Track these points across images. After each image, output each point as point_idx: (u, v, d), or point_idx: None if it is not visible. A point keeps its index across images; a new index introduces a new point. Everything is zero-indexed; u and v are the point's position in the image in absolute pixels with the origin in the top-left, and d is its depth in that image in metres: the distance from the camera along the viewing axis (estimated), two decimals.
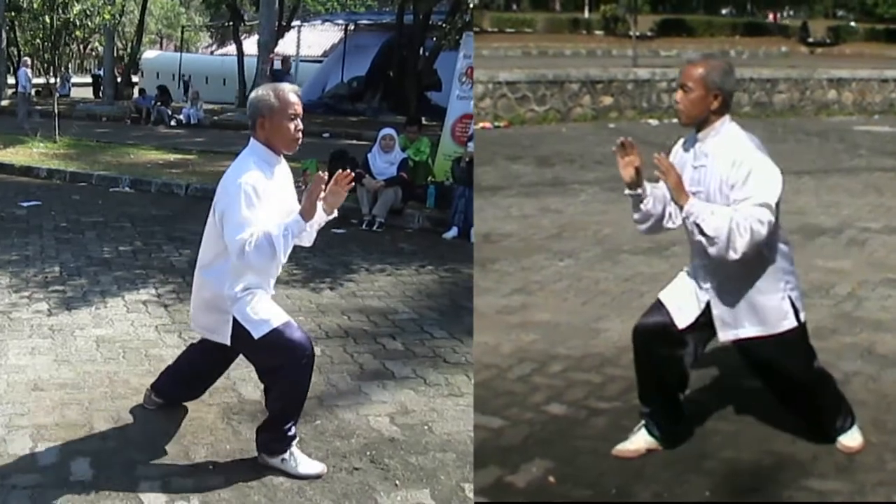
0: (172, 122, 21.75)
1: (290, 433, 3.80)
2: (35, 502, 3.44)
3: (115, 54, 28.20)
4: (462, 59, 11.39)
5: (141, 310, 6.00)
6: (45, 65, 17.49)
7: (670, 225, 3.52)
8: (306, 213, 3.53)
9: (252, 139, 3.69)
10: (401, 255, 8.27)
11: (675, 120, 16.44)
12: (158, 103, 22.42)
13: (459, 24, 21.23)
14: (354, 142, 15.51)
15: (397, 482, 3.74)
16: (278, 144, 3.66)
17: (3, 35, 25.13)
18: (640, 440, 3.60)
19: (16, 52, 29.75)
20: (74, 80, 34.53)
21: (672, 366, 3.53)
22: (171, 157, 14.79)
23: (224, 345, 3.87)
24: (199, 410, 4.30)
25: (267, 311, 3.74)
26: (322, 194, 3.60)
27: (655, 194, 3.44)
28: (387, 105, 23.69)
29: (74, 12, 16.31)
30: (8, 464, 3.71)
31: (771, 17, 41.90)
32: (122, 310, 5.99)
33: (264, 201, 3.54)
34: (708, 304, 3.46)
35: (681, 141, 3.52)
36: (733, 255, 3.16)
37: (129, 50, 34.21)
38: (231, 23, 27.92)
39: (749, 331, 3.41)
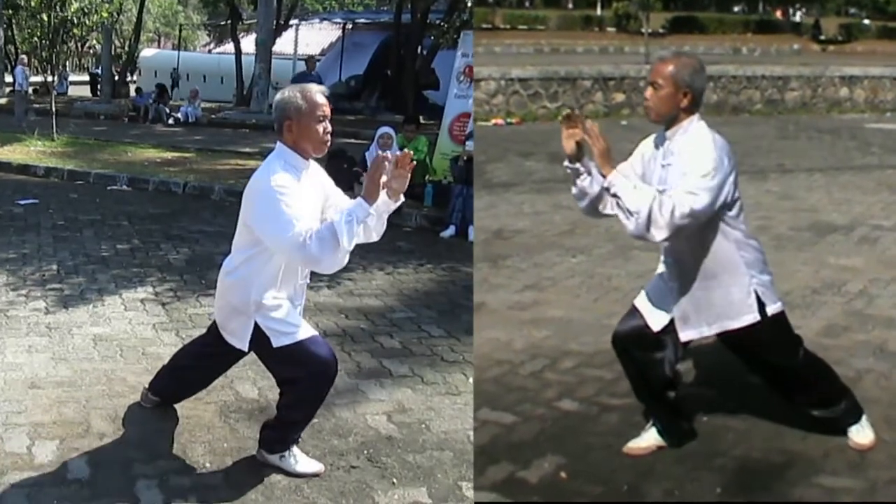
0: (170, 121, 21.73)
1: (294, 436, 3.79)
2: (32, 500, 3.44)
3: (113, 53, 28.16)
4: (460, 58, 11.38)
5: (138, 308, 6.00)
6: (43, 63, 17.42)
7: (608, 211, 3.43)
8: (369, 195, 3.37)
9: (279, 143, 3.56)
10: (398, 253, 8.26)
11: None
12: (157, 102, 22.39)
13: (457, 23, 21.25)
14: (352, 140, 15.48)
15: (395, 480, 3.74)
16: (307, 147, 3.52)
17: (1, 33, 25.13)
18: (650, 438, 3.62)
19: (13, 51, 29.74)
20: (72, 78, 34.51)
21: (653, 368, 3.53)
22: (169, 155, 14.78)
23: (228, 346, 3.83)
24: (197, 409, 4.30)
25: (291, 323, 3.63)
26: (384, 179, 3.44)
27: (597, 175, 3.38)
28: (384, 104, 23.67)
29: (72, 10, 16.27)
30: (5, 462, 3.70)
31: (779, 13, 41.84)
32: (120, 308, 5.99)
33: (298, 201, 3.42)
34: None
35: (651, 137, 3.49)
36: (655, 235, 3.14)
37: (126, 48, 34.16)
38: (230, 21, 27.88)
39: (711, 329, 3.41)
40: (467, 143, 9.78)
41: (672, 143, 3.33)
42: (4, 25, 26.30)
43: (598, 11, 39.61)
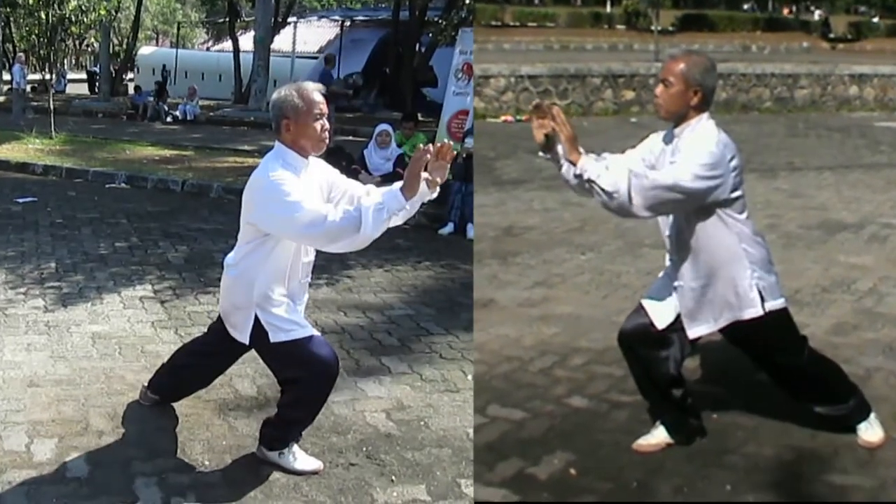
0: (168, 119, 21.72)
1: (294, 435, 3.80)
2: (31, 498, 3.44)
3: (111, 51, 28.12)
4: (458, 56, 11.38)
5: (137, 306, 6.00)
6: (41, 61, 17.43)
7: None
8: (408, 189, 3.31)
9: (277, 142, 3.55)
10: (397, 250, 8.26)
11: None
12: (156, 100, 22.38)
13: (455, 20, 21.19)
14: (351, 138, 15.49)
15: (393, 478, 3.74)
16: (305, 146, 3.51)
17: None
18: (659, 435, 3.62)
19: (11, 48, 29.70)
20: (70, 76, 34.47)
21: (658, 366, 3.54)
22: (168, 153, 14.77)
23: (228, 344, 3.84)
24: (196, 406, 4.30)
25: (291, 321, 3.62)
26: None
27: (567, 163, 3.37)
28: (383, 101, 23.67)
29: (70, 8, 16.26)
30: (4, 460, 3.70)
31: (786, 11, 41.81)
32: (119, 306, 5.99)
33: (300, 188, 3.41)
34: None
35: (659, 133, 3.50)
36: (638, 209, 3.15)
37: (124, 46, 34.12)
38: (228, 18, 27.85)
39: (717, 323, 3.43)
40: (466, 140, 9.77)
41: (680, 140, 3.34)
42: (2, 23, 26.26)
43: (608, 9, 39.60)
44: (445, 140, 3.71)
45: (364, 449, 3.99)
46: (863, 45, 32.29)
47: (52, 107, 16.36)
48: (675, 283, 3.50)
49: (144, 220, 9.08)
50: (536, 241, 6.86)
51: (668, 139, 3.43)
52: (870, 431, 3.59)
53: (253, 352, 3.86)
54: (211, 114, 22.46)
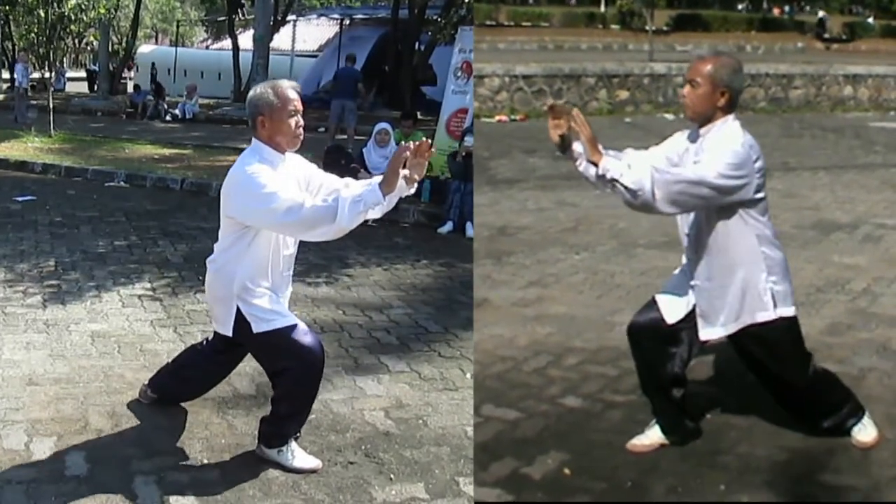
0: (168, 117, 21.71)
1: (286, 431, 3.80)
2: (30, 497, 3.44)
3: (111, 49, 28.10)
4: (457, 54, 11.37)
5: (136, 304, 6.00)
6: (40, 59, 17.38)
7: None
8: (387, 185, 3.37)
9: (254, 139, 3.64)
10: (396, 249, 8.27)
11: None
12: (155, 99, 22.37)
13: (455, 19, 21.23)
14: (347, 138, 15.48)
15: (392, 476, 3.75)
16: (280, 142, 3.59)
17: None
18: (653, 435, 3.62)
19: (10, 47, 29.68)
20: (69, 74, 34.45)
21: (663, 363, 3.54)
22: (167, 151, 14.77)
23: (230, 348, 3.90)
24: (195, 405, 4.30)
25: (272, 311, 3.67)
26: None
27: (587, 163, 3.36)
28: (382, 100, 23.66)
29: (69, 6, 16.24)
30: (2, 459, 3.71)
31: (777, 11, 41.85)
32: (118, 304, 5.99)
33: (276, 180, 3.46)
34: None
35: (683, 133, 3.51)
36: (661, 205, 3.15)
37: (124, 45, 34.11)
38: (230, 16, 27.82)
39: (728, 328, 3.42)
40: (465, 138, 9.76)
41: (705, 140, 3.35)
42: (1, 21, 26.23)
43: (602, 8, 39.60)
44: (424, 138, 3.73)
45: (363, 447, 4.00)
46: (857, 46, 32.28)
47: (51, 105, 16.35)
48: (692, 283, 3.49)
49: (143, 219, 9.08)
50: (530, 240, 6.85)
51: (692, 138, 3.43)
52: (863, 432, 3.59)
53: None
54: (210, 112, 22.45)
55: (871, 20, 37.68)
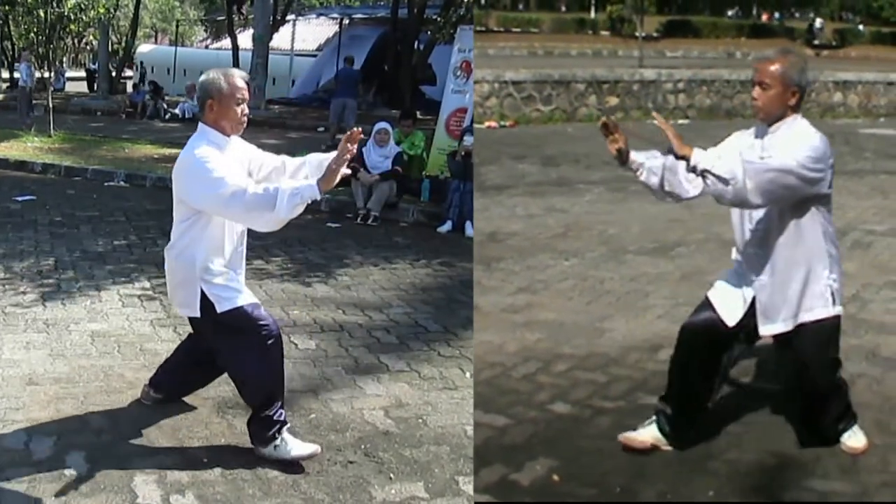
0: (167, 117, 21.71)
1: (276, 418, 3.84)
2: (30, 496, 3.44)
3: (110, 49, 28.09)
4: (457, 53, 11.36)
5: (136, 304, 6.01)
6: (40, 59, 17.35)
7: (686, 191, 3.39)
8: (325, 182, 3.55)
9: (200, 123, 3.80)
10: (395, 248, 8.28)
11: (680, 121, 16.15)
12: (154, 99, 22.35)
13: (454, 18, 21.20)
14: None
15: (391, 475, 3.75)
16: (225, 126, 3.76)
17: None
18: (648, 433, 3.60)
19: (10, 47, 29.66)
20: (69, 74, 34.42)
21: (714, 368, 3.54)
22: (167, 151, 14.74)
23: None
24: (194, 404, 4.31)
25: (233, 289, 3.85)
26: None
27: (650, 166, 3.38)
28: (381, 99, 23.66)
29: (69, 6, 16.22)
30: (3, 458, 3.71)
31: (765, 17, 41.94)
32: (117, 304, 5.99)
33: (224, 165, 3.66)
34: (754, 299, 3.46)
35: (746, 131, 3.50)
36: (753, 199, 3.13)
37: (123, 44, 34.10)
38: (229, 16, 27.79)
39: (788, 324, 3.42)
40: (465, 137, 9.76)
41: (774, 137, 3.35)
42: (0, 21, 26.22)
43: (592, 15, 39.72)
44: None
45: (362, 446, 4.00)
46: (847, 52, 32.34)
47: (50, 105, 16.34)
48: (753, 278, 3.46)
49: (143, 219, 9.09)
50: (520, 247, 6.82)
51: (760, 134, 3.42)
52: (853, 438, 3.60)
53: None
54: None
55: (862, 27, 37.74)
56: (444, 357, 5.24)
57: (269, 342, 3.83)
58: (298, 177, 3.86)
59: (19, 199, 9.90)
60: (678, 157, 3.26)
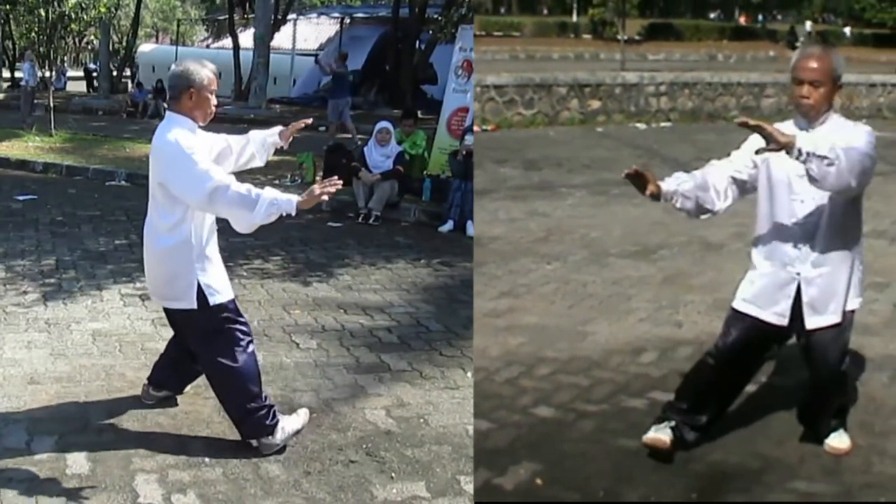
0: None
1: (267, 403, 3.88)
2: (31, 495, 3.44)
3: (111, 48, 28.10)
4: (458, 53, 11.36)
5: (137, 303, 6.00)
6: (41, 59, 17.36)
7: (718, 205, 3.44)
8: (305, 204, 3.62)
9: (170, 112, 3.82)
10: (397, 248, 8.27)
11: (663, 124, 16.01)
12: (155, 98, 22.36)
13: (455, 18, 21.20)
14: (351, 135, 15.48)
15: (393, 475, 3.75)
16: (198, 115, 3.81)
17: None
18: (666, 436, 3.52)
19: (11, 46, 29.68)
20: (70, 73, 34.44)
21: (749, 376, 3.57)
22: None
23: None
24: (195, 404, 4.31)
25: (224, 283, 3.92)
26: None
27: (682, 192, 3.36)
28: (383, 98, 23.66)
29: (70, 5, 16.23)
30: (4, 457, 3.71)
31: (742, 19, 42.02)
32: (119, 303, 5.99)
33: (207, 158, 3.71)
34: (798, 292, 3.38)
35: (788, 122, 3.43)
36: (852, 181, 3.01)
37: (124, 44, 34.12)
38: (230, 15, 27.80)
39: (836, 316, 3.38)
40: (466, 137, 9.76)
41: (823, 129, 3.27)
42: (1, 21, 26.23)
43: (574, 18, 39.80)
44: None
45: (364, 446, 4.00)
46: None
47: (51, 104, 16.34)
48: (798, 275, 3.37)
49: (144, 218, 9.04)
50: (502, 251, 6.76)
51: (801, 127, 3.33)
52: (837, 439, 3.59)
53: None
54: None
55: (846, 29, 37.77)
56: (445, 357, 5.23)
57: (249, 339, 3.92)
58: (245, 155, 4.08)
59: (20, 198, 9.90)
60: (779, 149, 3.08)
